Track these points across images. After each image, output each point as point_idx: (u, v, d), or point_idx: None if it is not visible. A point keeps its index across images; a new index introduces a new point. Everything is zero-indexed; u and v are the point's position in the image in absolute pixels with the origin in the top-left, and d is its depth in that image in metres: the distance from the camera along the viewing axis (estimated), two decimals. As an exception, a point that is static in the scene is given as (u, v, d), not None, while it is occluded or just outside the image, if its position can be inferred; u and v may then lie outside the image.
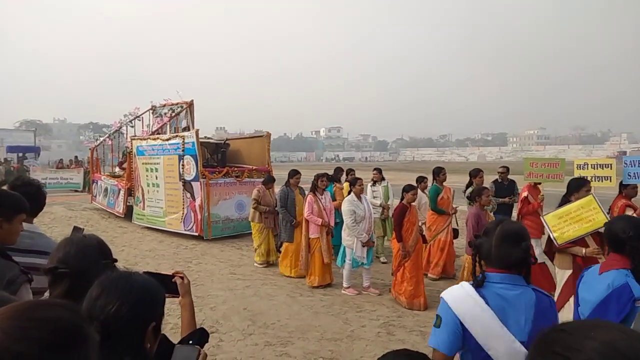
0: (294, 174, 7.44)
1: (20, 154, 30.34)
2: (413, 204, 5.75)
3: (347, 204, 6.07)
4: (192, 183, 9.85)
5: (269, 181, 8.43)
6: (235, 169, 10.54)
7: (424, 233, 6.20)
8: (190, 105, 12.91)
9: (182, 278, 1.89)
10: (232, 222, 10.22)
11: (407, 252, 5.47)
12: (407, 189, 5.75)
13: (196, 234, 9.81)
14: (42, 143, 63.80)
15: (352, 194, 6.20)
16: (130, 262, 7.87)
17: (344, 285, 6.21)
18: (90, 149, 16.07)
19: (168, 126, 12.80)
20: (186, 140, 9.93)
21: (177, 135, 10.42)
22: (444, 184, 7.20)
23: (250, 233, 10.18)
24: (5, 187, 2.56)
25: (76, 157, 30.19)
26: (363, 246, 6.01)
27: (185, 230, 10.06)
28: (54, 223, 12.28)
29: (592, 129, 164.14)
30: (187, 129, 11.87)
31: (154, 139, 11.15)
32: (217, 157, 12.21)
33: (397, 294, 5.60)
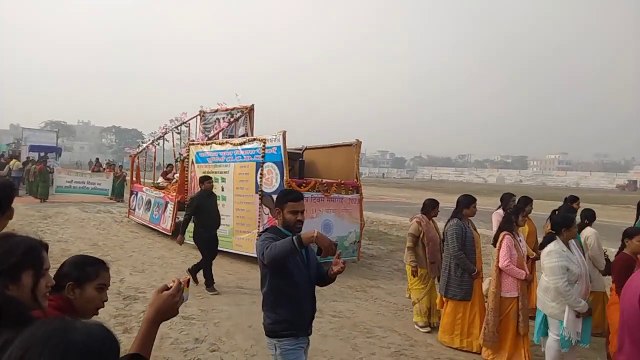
0: (470, 201, 5.04)
1: (42, 154, 29.43)
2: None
3: (557, 257, 4.00)
4: (274, 196, 8.05)
5: (434, 206, 5.79)
6: (324, 181, 8.71)
7: None
8: (251, 110, 11.39)
9: (169, 286, 1.53)
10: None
11: None
12: (633, 232, 3.95)
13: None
14: (65, 144, 63.13)
15: (558, 240, 4.12)
16: (138, 268, 7.83)
17: None
18: (131, 155, 14.37)
19: (220, 134, 11.19)
20: (268, 145, 8.17)
21: (254, 139, 8.67)
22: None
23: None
24: None
25: (113, 161, 29.30)
26: (578, 317, 4.01)
27: (257, 253, 8.22)
28: (66, 224, 12.22)
29: (615, 156, 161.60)
30: (244, 136, 10.26)
31: (221, 144, 9.44)
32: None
33: None
